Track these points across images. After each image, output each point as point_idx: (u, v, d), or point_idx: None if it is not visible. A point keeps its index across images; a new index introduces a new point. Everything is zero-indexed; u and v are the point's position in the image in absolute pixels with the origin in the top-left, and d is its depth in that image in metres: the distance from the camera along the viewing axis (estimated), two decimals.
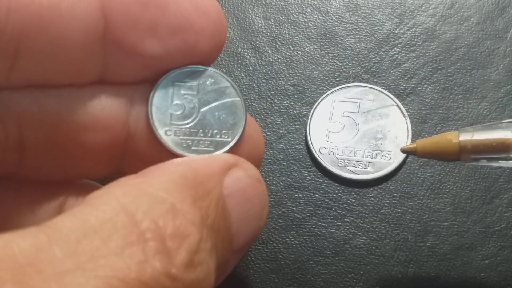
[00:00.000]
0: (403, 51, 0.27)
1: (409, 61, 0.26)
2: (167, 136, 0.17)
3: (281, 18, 0.28)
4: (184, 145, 0.17)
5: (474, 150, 0.18)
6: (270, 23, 0.27)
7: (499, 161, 0.18)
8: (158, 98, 0.17)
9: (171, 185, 0.14)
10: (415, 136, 0.25)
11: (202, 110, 0.17)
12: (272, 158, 0.25)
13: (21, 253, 0.11)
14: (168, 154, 0.17)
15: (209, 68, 0.18)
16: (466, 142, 0.18)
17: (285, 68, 0.26)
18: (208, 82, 0.18)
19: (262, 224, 0.17)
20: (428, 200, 0.24)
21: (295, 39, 0.27)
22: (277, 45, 0.27)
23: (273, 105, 0.26)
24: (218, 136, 0.17)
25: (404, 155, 0.24)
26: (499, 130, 0.18)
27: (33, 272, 0.10)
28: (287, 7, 0.28)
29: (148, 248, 0.12)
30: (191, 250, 0.13)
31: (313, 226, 0.23)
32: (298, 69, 0.26)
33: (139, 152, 0.17)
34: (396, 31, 0.27)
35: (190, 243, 0.13)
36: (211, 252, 0.14)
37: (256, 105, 0.26)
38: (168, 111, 0.17)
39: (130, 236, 0.12)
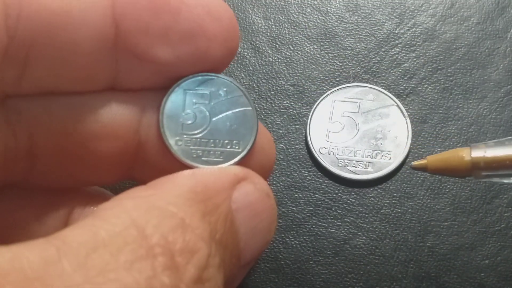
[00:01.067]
0: (403, 51, 0.27)
1: (409, 61, 0.26)
2: (177, 146, 0.17)
3: (281, 18, 0.28)
4: (194, 155, 0.17)
5: (486, 167, 0.17)
6: (270, 23, 0.27)
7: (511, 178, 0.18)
8: (169, 107, 0.17)
9: (180, 200, 0.13)
10: (415, 136, 0.25)
11: (214, 119, 0.17)
12: None
13: (29, 266, 0.10)
14: (178, 164, 0.17)
15: (222, 76, 0.17)
16: (478, 159, 0.17)
17: (285, 68, 0.26)
18: (220, 91, 0.17)
19: (270, 239, 0.17)
20: (428, 200, 0.24)
21: (295, 39, 0.27)
22: (277, 45, 0.27)
23: (273, 105, 0.26)
24: (229, 147, 0.17)
25: (404, 155, 0.24)
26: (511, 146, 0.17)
27: (41, 286, 0.10)
28: (287, 7, 0.28)
29: (157, 263, 0.12)
30: (200, 266, 0.13)
31: (313, 226, 0.23)
32: (298, 69, 0.26)
33: (149, 160, 0.17)
34: (396, 31, 0.27)
35: (199, 259, 0.13)
36: (219, 268, 0.13)
37: (256, 105, 0.26)
38: (180, 120, 0.17)
39: (139, 250, 0.12)
